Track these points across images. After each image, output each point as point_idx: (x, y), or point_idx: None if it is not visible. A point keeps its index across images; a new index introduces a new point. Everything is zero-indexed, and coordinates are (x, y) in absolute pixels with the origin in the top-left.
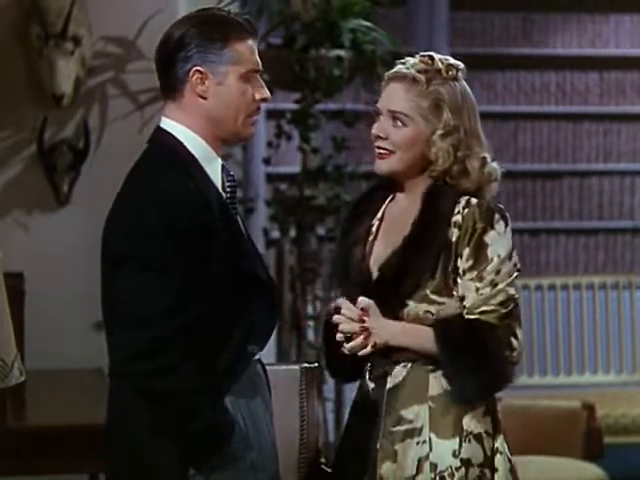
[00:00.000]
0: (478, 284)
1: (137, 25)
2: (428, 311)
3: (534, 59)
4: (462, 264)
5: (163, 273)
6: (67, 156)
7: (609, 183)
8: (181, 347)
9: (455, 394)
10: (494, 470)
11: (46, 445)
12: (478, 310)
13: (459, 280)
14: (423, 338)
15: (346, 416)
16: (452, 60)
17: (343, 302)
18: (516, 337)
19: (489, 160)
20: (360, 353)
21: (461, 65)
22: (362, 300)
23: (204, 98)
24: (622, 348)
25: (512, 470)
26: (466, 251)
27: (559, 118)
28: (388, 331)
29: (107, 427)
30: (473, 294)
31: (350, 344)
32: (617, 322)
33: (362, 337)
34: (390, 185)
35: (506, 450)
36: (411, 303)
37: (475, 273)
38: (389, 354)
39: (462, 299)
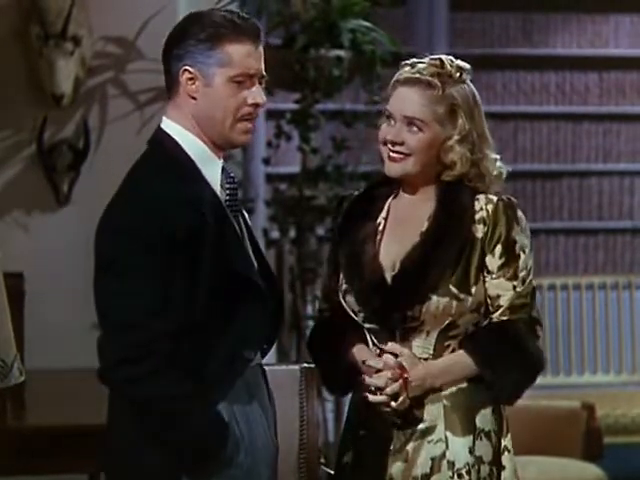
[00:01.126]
0: (514, 282)
1: (137, 25)
2: (449, 306)
3: (534, 59)
4: (493, 262)
5: (146, 276)
6: (67, 156)
7: (609, 183)
8: (166, 351)
9: (496, 397)
10: (501, 468)
11: (46, 445)
12: (512, 306)
13: (488, 278)
14: (463, 367)
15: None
16: (459, 61)
17: (368, 355)
18: (540, 324)
19: (498, 161)
20: (396, 405)
21: (467, 66)
22: (393, 347)
23: (194, 98)
24: (622, 348)
25: (515, 469)
26: (498, 248)
27: (559, 118)
28: (428, 376)
29: (105, 432)
30: (511, 292)
31: (387, 391)
32: (617, 322)
33: (399, 384)
34: (390, 181)
35: (512, 449)
36: (434, 297)
37: (510, 271)
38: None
39: (492, 297)
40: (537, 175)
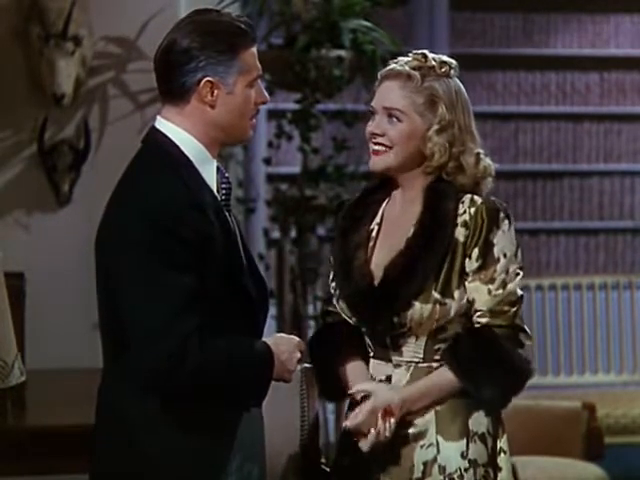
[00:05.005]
0: (490, 286)
1: (138, 25)
2: (432, 312)
3: (534, 59)
4: (470, 264)
5: (162, 283)
6: (67, 156)
7: (609, 183)
8: (196, 343)
9: (481, 407)
10: (497, 469)
11: (46, 445)
12: (489, 310)
13: (466, 282)
14: (442, 386)
15: None
16: (445, 57)
17: (360, 376)
18: (524, 331)
19: (483, 156)
20: (385, 438)
21: (454, 62)
22: (357, 390)
23: (212, 107)
24: (622, 348)
25: (513, 470)
26: (475, 252)
27: (559, 118)
28: (406, 402)
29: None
30: (485, 296)
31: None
32: (617, 322)
33: (379, 422)
34: (385, 186)
35: (509, 450)
36: (417, 304)
37: (485, 275)
38: (390, 359)
39: (470, 302)
40: (538, 175)
